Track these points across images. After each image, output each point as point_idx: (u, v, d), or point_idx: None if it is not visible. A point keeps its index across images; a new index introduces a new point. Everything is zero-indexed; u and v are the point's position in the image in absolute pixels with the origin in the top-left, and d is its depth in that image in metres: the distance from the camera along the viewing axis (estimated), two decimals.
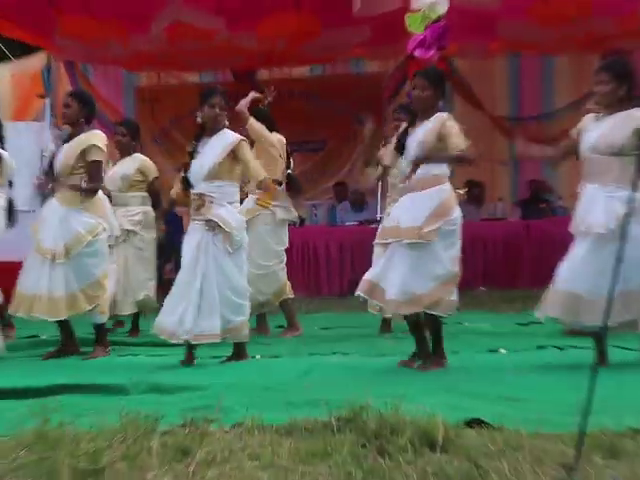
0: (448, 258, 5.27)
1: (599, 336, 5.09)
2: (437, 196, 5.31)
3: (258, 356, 6.07)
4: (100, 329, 6.35)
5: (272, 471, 2.87)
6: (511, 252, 9.92)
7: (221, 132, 5.83)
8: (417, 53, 8.00)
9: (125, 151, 7.59)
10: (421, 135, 5.34)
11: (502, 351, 6.02)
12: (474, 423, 3.50)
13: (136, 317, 7.57)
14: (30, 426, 3.27)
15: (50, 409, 3.45)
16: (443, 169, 5.38)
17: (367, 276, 5.44)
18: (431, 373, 5.16)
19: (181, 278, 5.79)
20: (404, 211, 5.39)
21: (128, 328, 7.66)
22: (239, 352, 5.87)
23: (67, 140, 6.27)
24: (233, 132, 5.90)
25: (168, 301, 5.82)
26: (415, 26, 8.05)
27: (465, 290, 5.73)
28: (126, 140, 7.58)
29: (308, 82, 12.34)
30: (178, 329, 5.66)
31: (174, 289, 5.81)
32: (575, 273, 5.16)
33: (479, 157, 5.78)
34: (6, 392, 4.57)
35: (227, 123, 5.88)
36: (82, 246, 6.05)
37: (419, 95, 5.41)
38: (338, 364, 5.64)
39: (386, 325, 7.32)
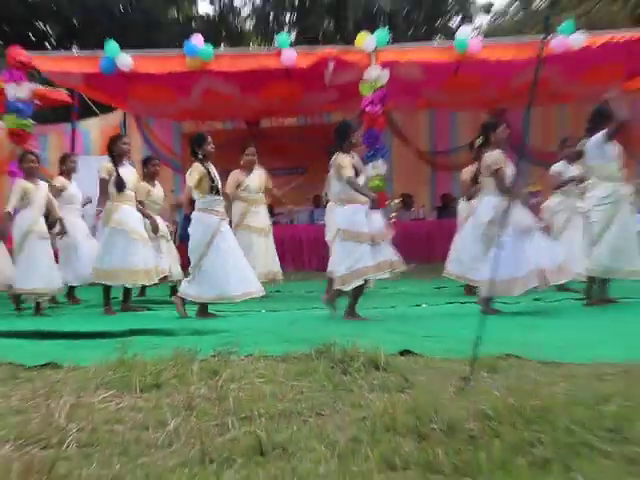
0: None
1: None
2: None
3: (263, 310, 6.05)
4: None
5: (273, 385, 2.89)
6: (429, 240, 9.98)
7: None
8: (368, 109, 8.01)
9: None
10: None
11: (424, 305, 6.05)
12: (405, 352, 3.54)
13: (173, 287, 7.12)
14: (114, 356, 3.30)
15: (126, 345, 3.46)
16: None
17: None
18: (376, 319, 5.15)
19: (234, 256, 5.59)
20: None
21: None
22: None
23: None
24: None
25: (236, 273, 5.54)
26: (366, 91, 8.06)
27: None
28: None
29: (296, 129, 12.25)
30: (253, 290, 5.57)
31: (230, 264, 5.51)
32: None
33: None
34: (97, 334, 4.57)
35: None
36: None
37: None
38: (317, 315, 5.61)
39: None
